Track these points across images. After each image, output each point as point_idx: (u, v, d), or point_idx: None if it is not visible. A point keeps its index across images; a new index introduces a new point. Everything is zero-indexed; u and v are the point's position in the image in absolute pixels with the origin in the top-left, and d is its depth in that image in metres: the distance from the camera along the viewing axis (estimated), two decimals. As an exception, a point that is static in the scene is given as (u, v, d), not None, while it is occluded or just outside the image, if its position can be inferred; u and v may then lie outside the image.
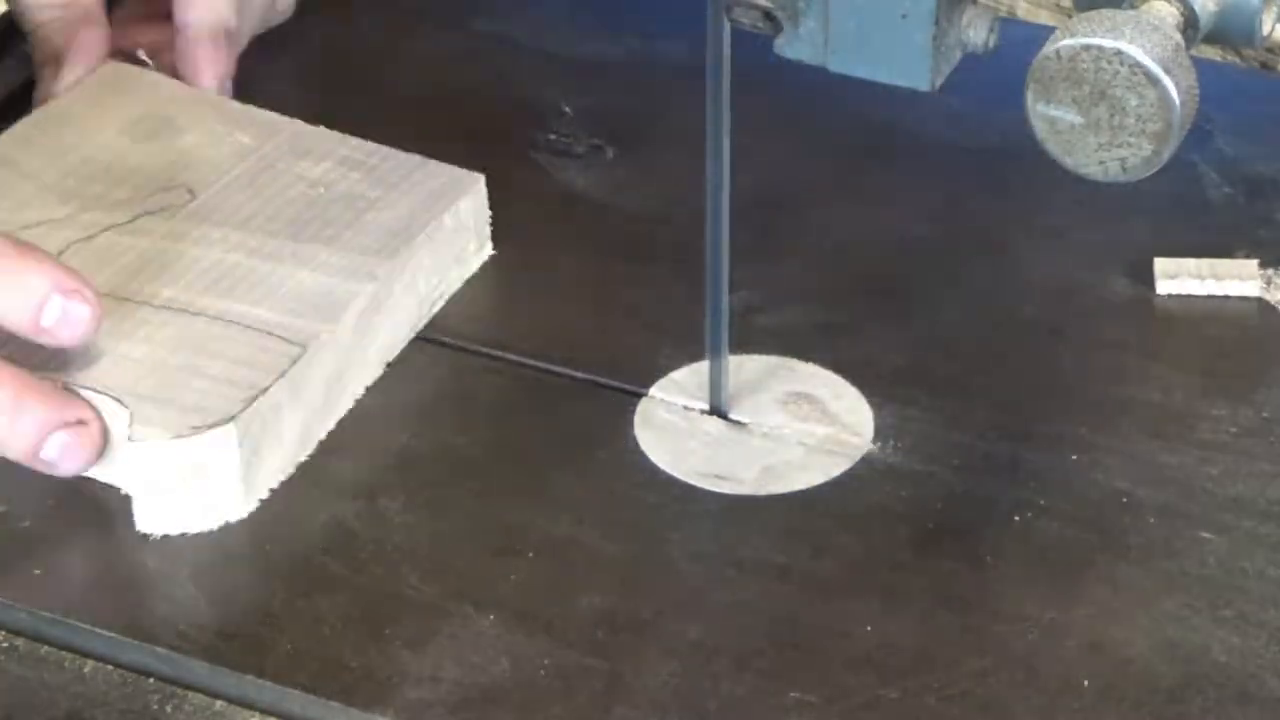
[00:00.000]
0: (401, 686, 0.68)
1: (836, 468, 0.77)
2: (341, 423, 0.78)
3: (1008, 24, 0.68)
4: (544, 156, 0.92)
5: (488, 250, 0.85)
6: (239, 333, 0.76)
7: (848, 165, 0.91)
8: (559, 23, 1.00)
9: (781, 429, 0.78)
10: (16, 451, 0.73)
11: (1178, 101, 0.61)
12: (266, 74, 0.97)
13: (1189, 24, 0.63)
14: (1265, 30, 0.65)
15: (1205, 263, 0.84)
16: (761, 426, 0.78)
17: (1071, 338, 0.81)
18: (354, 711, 0.68)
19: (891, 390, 0.79)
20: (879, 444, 0.77)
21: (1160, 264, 0.84)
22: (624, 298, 0.84)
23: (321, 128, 0.86)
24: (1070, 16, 0.63)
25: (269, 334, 0.76)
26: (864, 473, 0.76)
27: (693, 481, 0.76)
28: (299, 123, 0.86)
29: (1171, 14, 0.63)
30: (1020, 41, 0.68)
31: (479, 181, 0.84)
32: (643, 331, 0.83)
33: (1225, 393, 0.79)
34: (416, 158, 0.85)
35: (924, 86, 0.67)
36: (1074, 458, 0.76)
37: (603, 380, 0.80)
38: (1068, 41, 0.61)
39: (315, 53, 0.99)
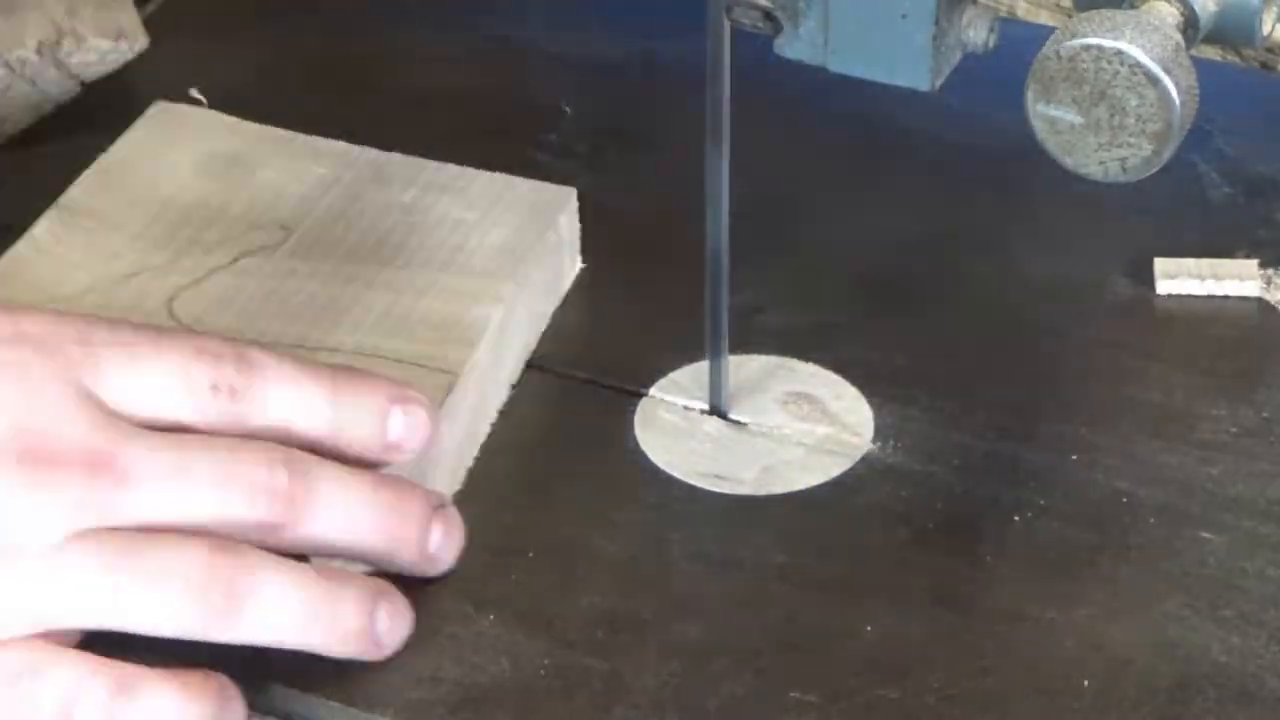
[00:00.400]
0: (401, 687, 0.68)
1: (836, 468, 0.77)
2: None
3: (1008, 24, 0.68)
4: (544, 156, 0.92)
5: (578, 264, 0.84)
6: (383, 366, 0.74)
7: (848, 165, 0.91)
8: (559, 23, 1.00)
9: (781, 429, 0.78)
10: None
11: (1178, 101, 0.61)
12: (266, 74, 0.97)
13: (1189, 24, 0.63)
14: (1265, 30, 0.65)
15: (1205, 263, 0.84)
16: (761, 426, 0.78)
17: (1071, 338, 0.81)
18: (354, 711, 0.68)
19: (891, 390, 0.79)
20: (879, 444, 0.77)
21: (1160, 264, 0.84)
22: (624, 297, 0.84)
23: (396, 154, 0.85)
24: (1070, 16, 0.63)
25: (415, 365, 0.74)
26: (864, 473, 0.76)
27: (693, 481, 0.76)
28: (370, 150, 0.85)
29: (1171, 14, 0.63)
30: (1020, 41, 0.68)
31: (571, 196, 0.83)
32: (643, 331, 0.83)
33: (1225, 393, 0.79)
34: (501, 176, 0.84)
35: (924, 86, 0.67)
36: (1074, 458, 0.76)
37: (603, 380, 0.80)
38: (1068, 42, 0.61)
39: (315, 53, 0.99)
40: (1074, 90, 0.62)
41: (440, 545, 0.70)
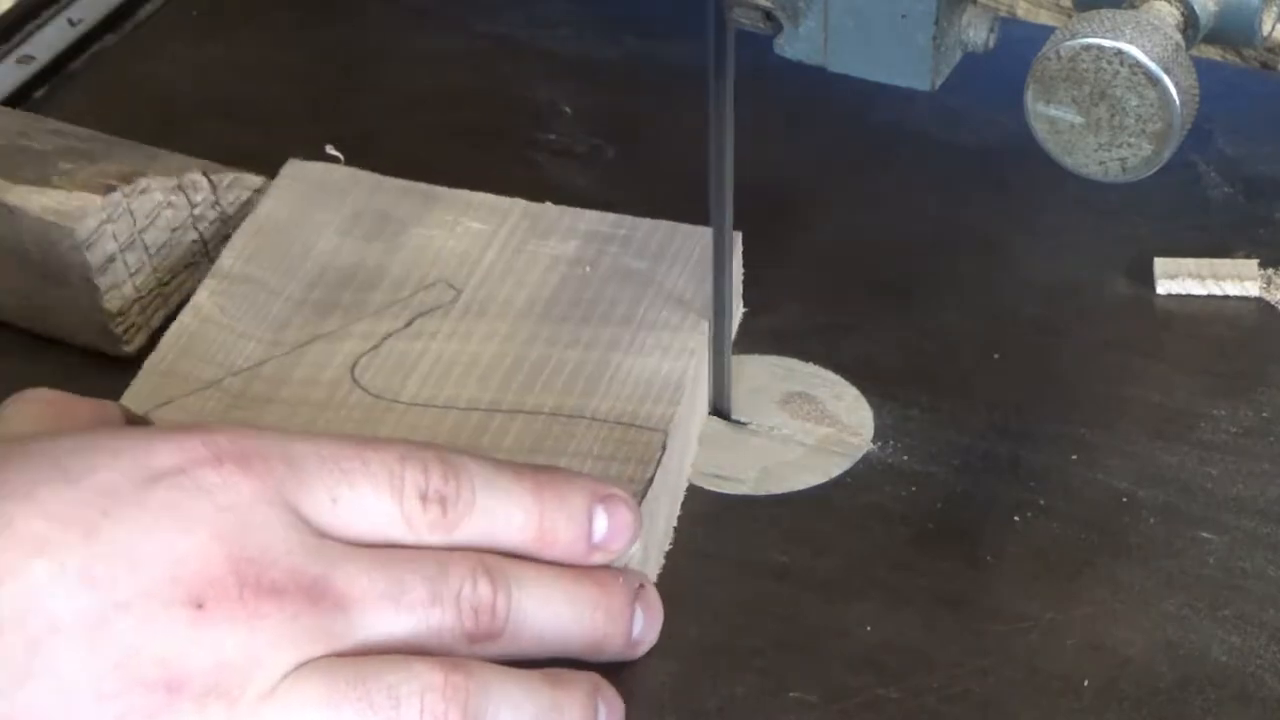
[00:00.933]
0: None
1: (836, 468, 0.77)
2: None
3: (1008, 24, 0.68)
4: (544, 156, 0.92)
5: (742, 309, 0.82)
6: (590, 427, 0.72)
7: (848, 165, 0.91)
8: (559, 23, 1.00)
9: (781, 429, 0.78)
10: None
11: (1178, 101, 0.61)
12: (266, 74, 0.97)
13: (1189, 24, 0.63)
14: (1265, 30, 0.65)
15: (1205, 263, 0.84)
16: (761, 426, 0.78)
17: (1071, 338, 0.81)
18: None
19: (891, 390, 0.79)
20: (879, 444, 0.77)
21: (1160, 264, 0.84)
22: (624, 298, 0.84)
23: (548, 203, 0.82)
24: (1070, 16, 0.63)
25: (623, 424, 0.73)
26: (864, 473, 0.76)
27: (693, 481, 0.76)
28: (521, 201, 0.82)
29: (1171, 14, 0.63)
30: (1020, 41, 0.68)
31: (737, 241, 0.79)
32: (643, 331, 0.82)
33: (1225, 393, 0.79)
34: (664, 223, 0.81)
35: (924, 87, 0.67)
36: (1074, 458, 0.76)
37: (603, 380, 0.80)
38: (1068, 41, 0.61)
39: (315, 53, 0.99)
40: (1074, 90, 0.62)
41: (643, 630, 0.68)
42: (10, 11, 0.99)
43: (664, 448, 0.72)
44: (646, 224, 0.81)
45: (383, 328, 0.77)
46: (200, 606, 0.60)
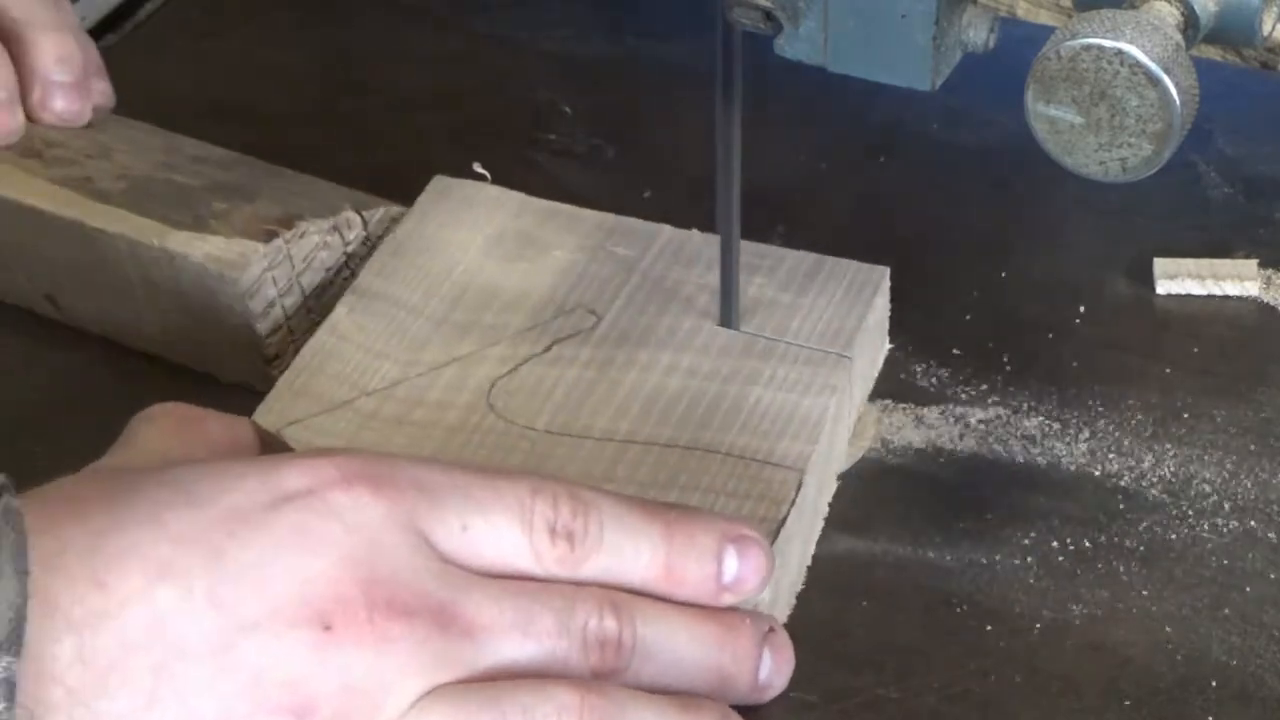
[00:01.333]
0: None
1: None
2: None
3: (1008, 24, 0.68)
4: (544, 156, 0.92)
5: (887, 345, 0.80)
6: (724, 463, 0.71)
7: (848, 165, 0.91)
8: (559, 23, 1.00)
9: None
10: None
11: (1178, 101, 0.61)
12: (266, 74, 0.97)
13: (1189, 24, 0.63)
14: (1265, 30, 0.65)
15: (1205, 263, 0.84)
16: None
17: (1071, 338, 0.81)
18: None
19: (892, 389, 0.79)
20: (880, 443, 0.77)
21: (1160, 264, 0.84)
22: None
23: (694, 230, 0.80)
24: (1070, 16, 0.63)
25: (758, 461, 0.71)
26: (865, 472, 0.76)
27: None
28: (666, 227, 0.80)
29: (1171, 14, 0.63)
30: (1020, 41, 0.68)
31: (885, 276, 0.78)
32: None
33: (1225, 393, 0.79)
34: (810, 255, 0.79)
35: (924, 87, 0.67)
36: (1074, 457, 0.76)
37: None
38: (1068, 42, 0.61)
39: (315, 53, 0.99)
40: (1074, 90, 0.62)
41: (771, 673, 0.67)
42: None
43: (799, 487, 0.70)
44: (792, 255, 0.79)
45: (521, 352, 0.76)
46: (328, 629, 0.59)
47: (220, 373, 0.80)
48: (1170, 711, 0.68)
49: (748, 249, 0.77)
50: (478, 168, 0.84)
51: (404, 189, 0.83)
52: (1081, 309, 0.83)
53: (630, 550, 0.64)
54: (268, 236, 0.78)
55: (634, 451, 0.71)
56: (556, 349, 0.76)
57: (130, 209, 0.80)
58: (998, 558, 0.73)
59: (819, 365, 0.74)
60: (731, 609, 0.66)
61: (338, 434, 0.72)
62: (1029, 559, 0.73)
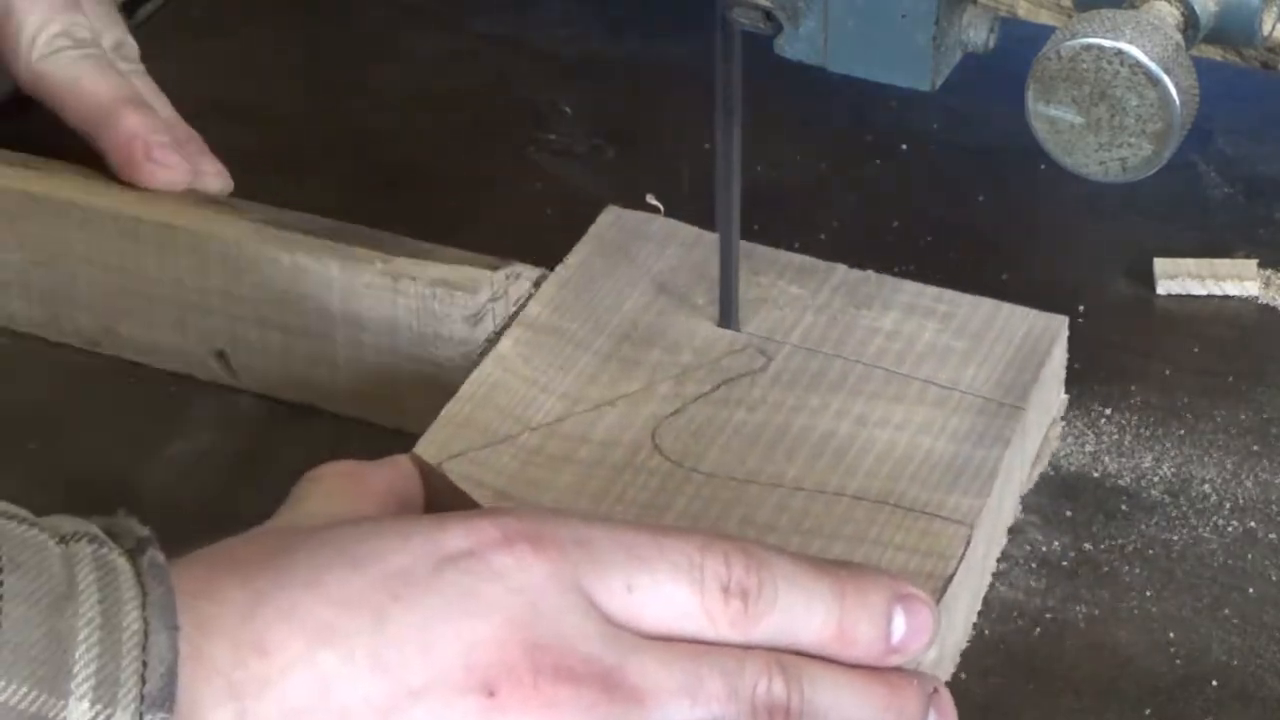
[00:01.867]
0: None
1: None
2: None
3: (1008, 24, 0.68)
4: (544, 156, 0.92)
5: (1064, 397, 0.78)
6: (893, 515, 0.69)
7: (848, 165, 0.91)
8: (559, 23, 1.00)
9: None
10: None
11: (1178, 101, 0.61)
12: (266, 74, 0.97)
13: (1189, 24, 0.63)
14: (1265, 30, 0.65)
15: (1205, 263, 0.84)
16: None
17: (1071, 338, 0.81)
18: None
19: (891, 390, 0.79)
20: (879, 444, 0.77)
21: (1160, 264, 0.84)
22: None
23: (870, 272, 0.78)
24: (1070, 16, 0.63)
25: (927, 514, 0.69)
26: (864, 473, 0.76)
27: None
28: (840, 267, 0.78)
29: (1171, 14, 0.63)
30: (1020, 41, 0.68)
31: (1063, 327, 0.76)
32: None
33: (1225, 393, 0.79)
34: (988, 301, 0.77)
35: (924, 87, 0.67)
36: (1074, 457, 0.76)
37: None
38: (1068, 42, 0.61)
39: (315, 53, 0.99)
40: (1074, 90, 0.62)
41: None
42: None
43: (968, 543, 0.68)
44: (968, 301, 0.77)
45: (688, 391, 0.74)
46: (492, 695, 0.58)
47: (402, 420, 0.76)
48: (1170, 711, 0.68)
49: (925, 292, 0.77)
50: (650, 199, 0.81)
51: (404, 189, 0.83)
52: (1081, 309, 0.83)
53: (803, 610, 0.62)
54: (494, 266, 0.76)
55: (800, 499, 0.70)
56: (725, 389, 0.74)
57: (335, 239, 0.77)
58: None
59: (992, 417, 0.72)
60: (897, 669, 0.64)
61: (500, 469, 0.70)
62: (1029, 559, 0.73)
